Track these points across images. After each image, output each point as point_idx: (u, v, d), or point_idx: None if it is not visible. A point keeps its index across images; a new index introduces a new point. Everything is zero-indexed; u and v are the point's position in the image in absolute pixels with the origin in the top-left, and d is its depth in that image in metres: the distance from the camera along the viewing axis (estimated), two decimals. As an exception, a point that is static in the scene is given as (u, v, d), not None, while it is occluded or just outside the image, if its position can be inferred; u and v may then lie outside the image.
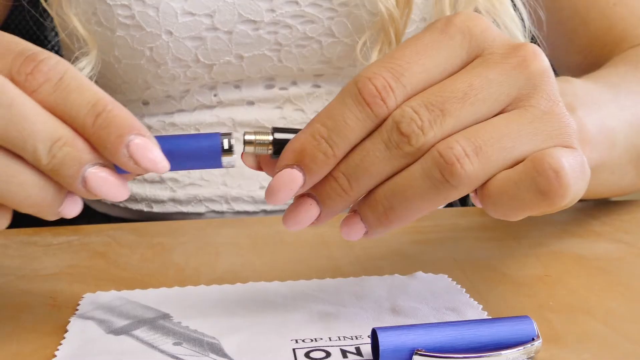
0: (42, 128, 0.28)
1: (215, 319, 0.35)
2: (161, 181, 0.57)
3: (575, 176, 0.30)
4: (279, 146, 0.32)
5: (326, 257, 0.44)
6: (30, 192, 0.29)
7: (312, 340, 0.33)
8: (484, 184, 0.30)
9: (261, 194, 0.57)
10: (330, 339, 0.33)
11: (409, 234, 0.49)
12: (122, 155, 0.29)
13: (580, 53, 0.60)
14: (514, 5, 0.55)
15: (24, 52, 0.29)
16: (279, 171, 0.31)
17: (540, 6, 0.57)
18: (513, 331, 0.31)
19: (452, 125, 0.30)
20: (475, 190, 0.31)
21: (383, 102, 0.30)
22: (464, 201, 0.67)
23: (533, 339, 0.31)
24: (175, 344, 0.33)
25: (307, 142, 0.30)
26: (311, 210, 0.32)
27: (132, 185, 0.58)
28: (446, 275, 0.41)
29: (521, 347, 0.31)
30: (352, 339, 0.33)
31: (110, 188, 0.30)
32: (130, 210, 0.59)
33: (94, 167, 0.29)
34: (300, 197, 0.32)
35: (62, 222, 0.52)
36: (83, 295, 0.38)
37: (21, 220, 0.71)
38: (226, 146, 0.32)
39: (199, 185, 0.57)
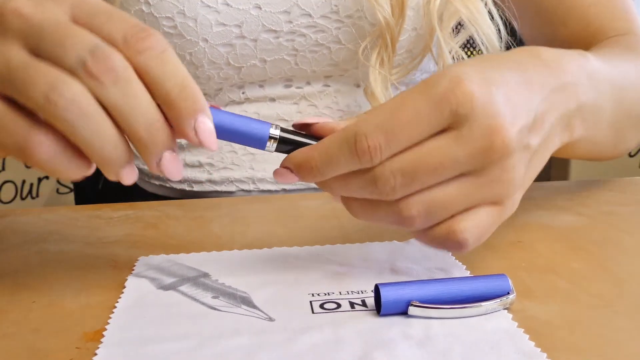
0: (145, 110, 0.29)
1: (246, 277, 0.36)
2: (200, 165, 0.57)
3: (480, 234, 0.32)
4: (283, 145, 0.33)
5: (337, 227, 0.45)
6: (108, 147, 0.29)
7: (325, 294, 0.34)
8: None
9: (282, 175, 0.57)
10: (340, 293, 0.34)
11: (405, 208, 0.49)
12: (188, 126, 0.30)
13: None
14: (491, 17, 0.54)
15: (138, 25, 0.30)
16: (281, 168, 0.33)
17: (514, 17, 0.56)
18: (491, 286, 0.31)
19: (417, 187, 0.31)
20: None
21: (371, 158, 0.31)
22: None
23: (508, 293, 0.31)
24: (213, 297, 0.34)
25: (303, 162, 0.32)
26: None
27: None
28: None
29: (498, 300, 0.31)
30: (358, 293, 0.34)
31: (175, 170, 0.31)
32: (175, 189, 0.59)
33: (169, 152, 0.30)
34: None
35: (121, 200, 0.53)
36: (138, 259, 0.39)
37: (89, 199, 0.72)
38: (274, 134, 0.33)
39: (231, 169, 0.57)
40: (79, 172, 0.30)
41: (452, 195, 0.31)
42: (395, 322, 0.30)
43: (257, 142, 0.33)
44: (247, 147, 0.57)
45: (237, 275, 0.36)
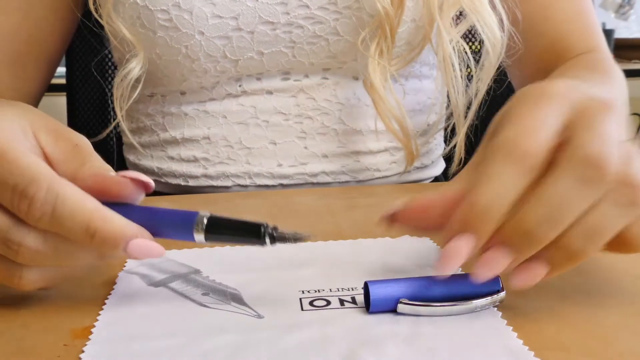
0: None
1: (237, 273, 0.36)
2: (195, 160, 0.57)
3: None
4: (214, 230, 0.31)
5: (331, 223, 0.45)
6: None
7: (315, 291, 0.34)
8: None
9: (279, 170, 0.57)
10: (330, 290, 0.34)
11: (400, 203, 0.49)
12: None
13: (534, 63, 0.60)
14: (493, 7, 0.54)
15: (17, 187, 0.29)
16: (450, 243, 0.28)
17: (516, 5, 0.56)
18: (482, 284, 0.31)
19: (617, 159, 0.28)
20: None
21: (534, 155, 0.27)
22: (446, 177, 0.67)
23: (498, 291, 0.31)
24: (203, 294, 0.34)
25: (472, 214, 0.28)
26: (503, 262, 0.29)
27: (171, 164, 0.58)
28: (428, 239, 0.41)
29: (488, 298, 0.31)
30: (349, 290, 0.34)
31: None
32: (170, 184, 0.59)
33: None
34: (487, 252, 0.29)
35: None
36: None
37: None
38: (200, 225, 0.31)
39: (227, 163, 0.57)
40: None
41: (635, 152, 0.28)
42: (384, 320, 0.30)
43: (185, 229, 0.31)
44: (243, 142, 0.57)
45: (229, 271, 0.36)
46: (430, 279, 0.32)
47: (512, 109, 0.30)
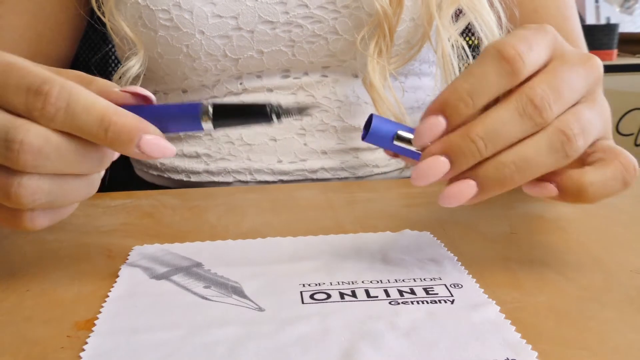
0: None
1: (239, 267, 0.36)
2: (197, 156, 0.58)
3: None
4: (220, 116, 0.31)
5: (331, 217, 0.45)
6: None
7: (316, 285, 0.34)
8: (578, 178, 0.31)
9: (279, 166, 0.57)
10: (331, 283, 0.34)
11: (399, 199, 0.49)
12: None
13: None
14: (491, 4, 0.54)
15: (31, 87, 0.28)
16: (426, 117, 0.30)
17: (514, 4, 0.56)
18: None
19: (562, 108, 0.30)
20: (546, 179, 0.31)
21: (521, 64, 0.29)
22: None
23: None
24: (205, 287, 0.34)
25: (451, 93, 0.30)
26: (442, 166, 0.30)
27: (174, 159, 0.58)
28: (429, 233, 0.41)
29: None
30: (349, 283, 0.34)
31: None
32: (173, 180, 0.59)
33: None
34: (430, 156, 0.31)
35: (118, 189, 0.53)
36: (133, 248, 0.39)
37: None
38: (206, 114, 0.31)
39: (228, 159, 0.57)
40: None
41: (589, 116, 0.31)
42: (383, 314, 0.30)
43: (192, 120, 0.31)
44: (244, 138, 0.57)
45: (230, 265, 0.36)
46: None
47: (512, 32, 0.32)
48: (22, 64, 0.29)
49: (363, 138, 0.33)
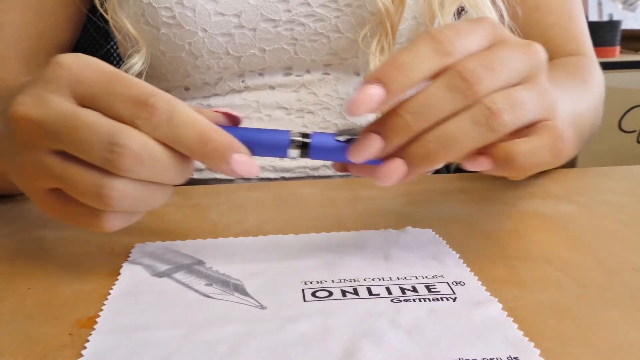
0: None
1: (241, 264, 0.36)
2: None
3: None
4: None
5: (333, 215, 0.45)
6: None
7: (318, 282, 0.33)
8: (508, 148, 0.31)
9: (281, 164, 0.57)
10: (333, 281, 0.34)
11: (402, 196, 0.48)
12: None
13: None
14: (493, 2, 0.54)
15: (139, 98, 0.30)
16: (360, 92, 0.30)
17: (516, 2, 0.56)
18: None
19: (494, 85, 0.30)
20: (481, 154, 0.31)
21: (451, 45, 0.30)
22: (449, 169, 0.67)
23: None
24: (206, 285, 0.33)
25: (390, 63, 0.30)
26: (375, 142, 0.31)
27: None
28: (431, 230, 0.41)
29: None
30: (351, 281, 0.33)
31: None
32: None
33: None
34: (365, 134, 0.31)
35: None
36: (134, 245, 0.39)
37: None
38: (294, 140, 0.33)
39: (230, 156, 0.57)
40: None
41: (526, 97, 0.31)
42: (385, 312, 0.30)
43: (279, 149, 0.33)
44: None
45: (232, 262, 0.36)
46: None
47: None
48: (126, 75, 0.31)
49: (307, 156, 0.33)
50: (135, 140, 0.30)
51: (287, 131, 0.33)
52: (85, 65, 0.31)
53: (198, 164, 0.32)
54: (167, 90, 0.31)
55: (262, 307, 0.31)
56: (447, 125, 0.30)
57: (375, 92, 0.30)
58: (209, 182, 0.57)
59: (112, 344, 0.28)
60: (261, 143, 0.33)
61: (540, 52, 0.33)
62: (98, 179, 0.30)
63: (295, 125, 0.56)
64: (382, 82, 0.30)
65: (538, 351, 0.27)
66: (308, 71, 0.56)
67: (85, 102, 0.30)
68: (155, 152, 0.30)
